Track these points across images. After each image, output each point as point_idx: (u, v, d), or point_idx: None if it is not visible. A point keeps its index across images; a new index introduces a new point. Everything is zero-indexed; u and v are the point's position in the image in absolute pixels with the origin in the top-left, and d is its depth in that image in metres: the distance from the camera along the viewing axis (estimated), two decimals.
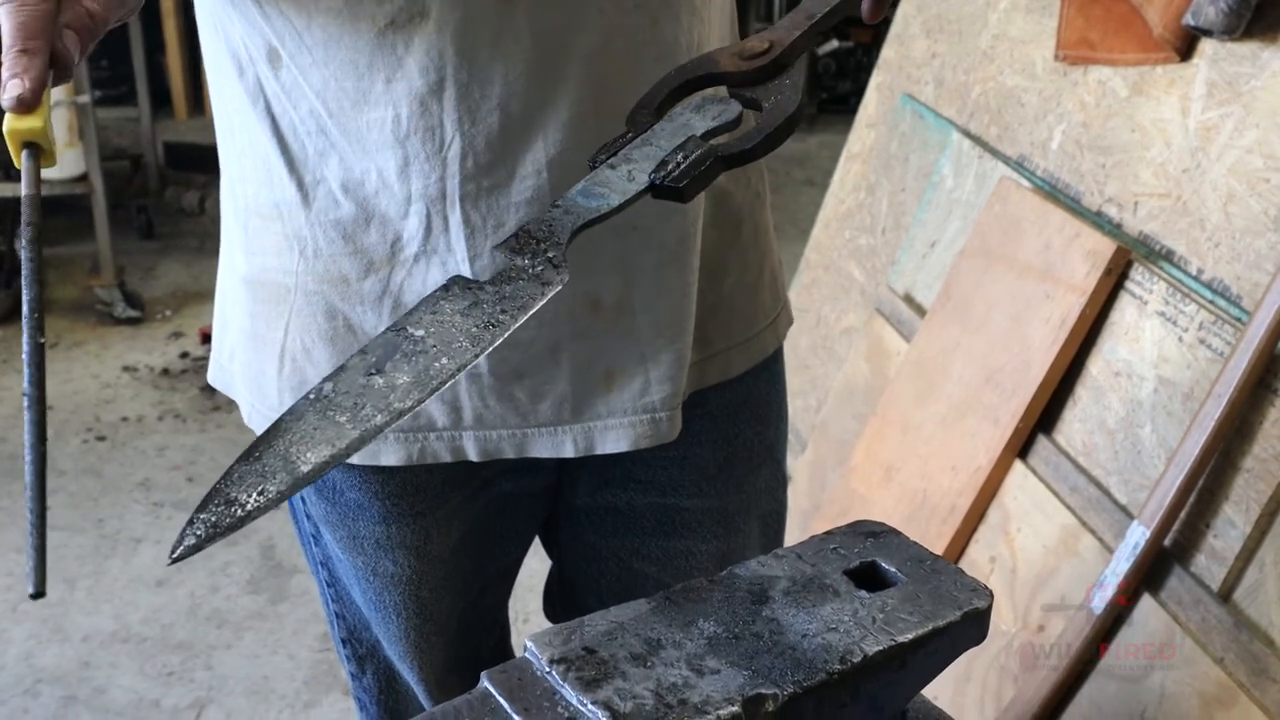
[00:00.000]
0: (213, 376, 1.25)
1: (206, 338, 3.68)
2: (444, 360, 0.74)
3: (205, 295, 4.04)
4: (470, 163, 1.01)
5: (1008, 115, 2.34)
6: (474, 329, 0.75)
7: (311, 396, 0.72)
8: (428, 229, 1.04)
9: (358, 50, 0.98)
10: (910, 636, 0.83)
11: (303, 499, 1.23)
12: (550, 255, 0.79)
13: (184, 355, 3.66)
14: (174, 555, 0.67)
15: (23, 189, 0.77)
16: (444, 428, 1.12)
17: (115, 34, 3.54)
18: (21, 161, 0.77)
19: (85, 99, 3.67)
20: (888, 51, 2.89)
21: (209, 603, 2.61)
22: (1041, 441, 1.95)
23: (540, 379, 1.10)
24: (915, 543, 0.93)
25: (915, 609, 0.85)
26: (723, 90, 0.89)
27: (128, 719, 2.31)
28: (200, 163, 5.08)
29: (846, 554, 0.91)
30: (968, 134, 2.44)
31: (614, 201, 0.82)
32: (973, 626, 0.86)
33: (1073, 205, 2.06)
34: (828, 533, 0.94)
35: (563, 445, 1.13)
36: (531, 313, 0.76)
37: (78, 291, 4.00)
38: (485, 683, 0.81)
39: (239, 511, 0.67)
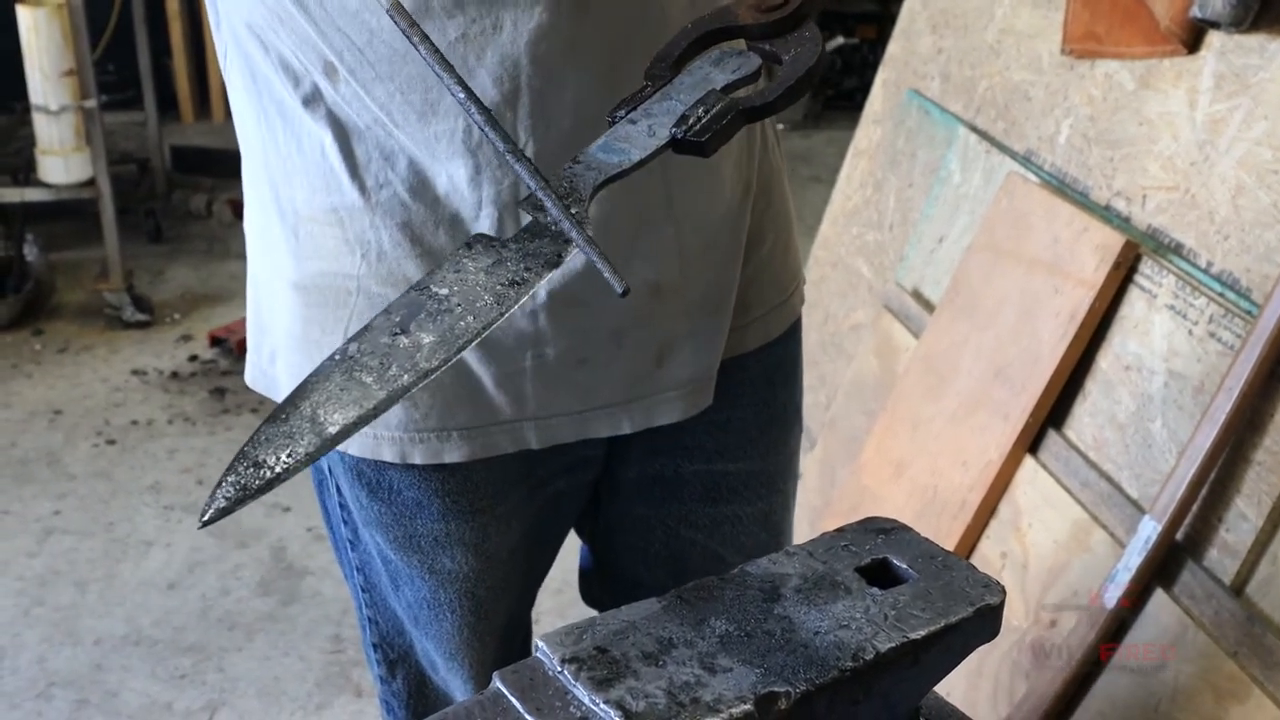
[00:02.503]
0: (251, 379, 1.24)
1: (215, 340, 3.68)
2: (469, 319, 0.73)
3: (214, 298, 4.05)
4: (544, 162, 1.02)
5: (1015, 110, 2.34)
6: (498, 287, 0.75)
7: (336, 357, 0.71)
8: (500, 231, 1.05)
9: (426, 65, 0.98)
10: (923, 633, 0.83)
11: (341, 504, 1.23)
12: (573, 211, 0.78)
13: (193, 358, 3.67)
14: (204, 519, 0.67)
15: None
16: (507, 420, 1.13)
17: (121, 38, 3.55)
18: None
19: (92, 104, 3.67)
20: (893, 47, 2.88)
21: (220, 605, 2.62)
22: (1052, 436, 1.95)
23: (601, 364, 1.13)
24: (926, 539, 0.92)
25: (927, 606, 0.85)
26: (741, 43, 0.87)
27: None
28: (207, 166, 5.08)
29: (858, 551, 0.91)
30: (974, 129, 2.44)
31: (635, 157, 0.80)
32: (985, 622, 0.86)
33: (1081, 199, 2.06)
34: (839, 530, 0.94)
35: (620, 423, 1.17)
36: (556, 270, 0.76)
37: (86, 295, 4.01)
38: (497, 683, 0.81)
39: (267, 474, 0.67)
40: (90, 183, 3.78)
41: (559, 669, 0.80)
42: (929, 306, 2.39)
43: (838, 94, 6.04)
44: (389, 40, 0.98)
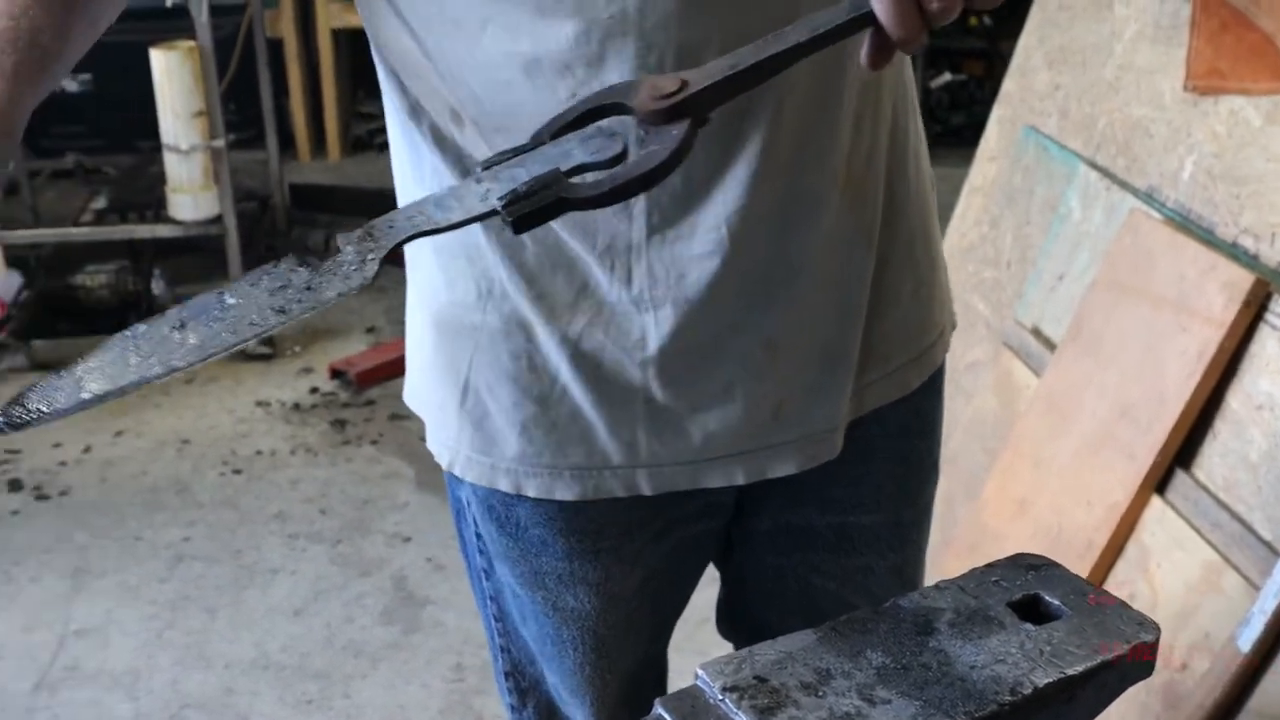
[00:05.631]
0: (405, 396, 1.30)
1: (335, 373, 3.77)
2: (227, 334, 0.77)
3: (333, 332, 4.14)
4: (656, 217, 1.05)
5: (1136, 146, 2.33)
6: (269, 310, 0.78)
7: (127, 333, 0.78)
8: (612, 278, 1.08)
9: (538, 120, 1.00)
10: (1080, 669, 0.84)
11: (478, 535, 1.27)
12: (371, 256, 0.79)
13: (314, 390, 3.76)
14: None
15: None
16: (619, 465, 1.15)
17: (240, 80, 3.68)
18: None
19: (220, 143, 3.79)
20: (1009, 84, 2.88)
21: (344, 633, 2.67)
22: (1180, 476, 1.93)
23: (714, 415, 1.14)
24: (1077, 575, 0.94)
25: (1083, 642, 0.86)
26: (628, 121, 0.84)
27: None
28: (323, 203, 5.21)
29: (1009, 586, 0.92)
30: (1094, 166, 2.43)
31: (454, 219, 0.81)
32: (1140, 661, 0.87)
33: (1206, 237, 2.04)
34: (988, 565, 0.95)
35: (734, 474, 1.17)
36: (314, 310, 0.78)
37: None
38: (659, 709, 0.83)
39: (26, 416, 0.76)
40: (217, 219, 3.90)
41: (720, 697, 0.83)
42: (1049, 344, 2.38)
43: (945, 130, 6.02)
44: (505, 94, 1.02)
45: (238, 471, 3.32)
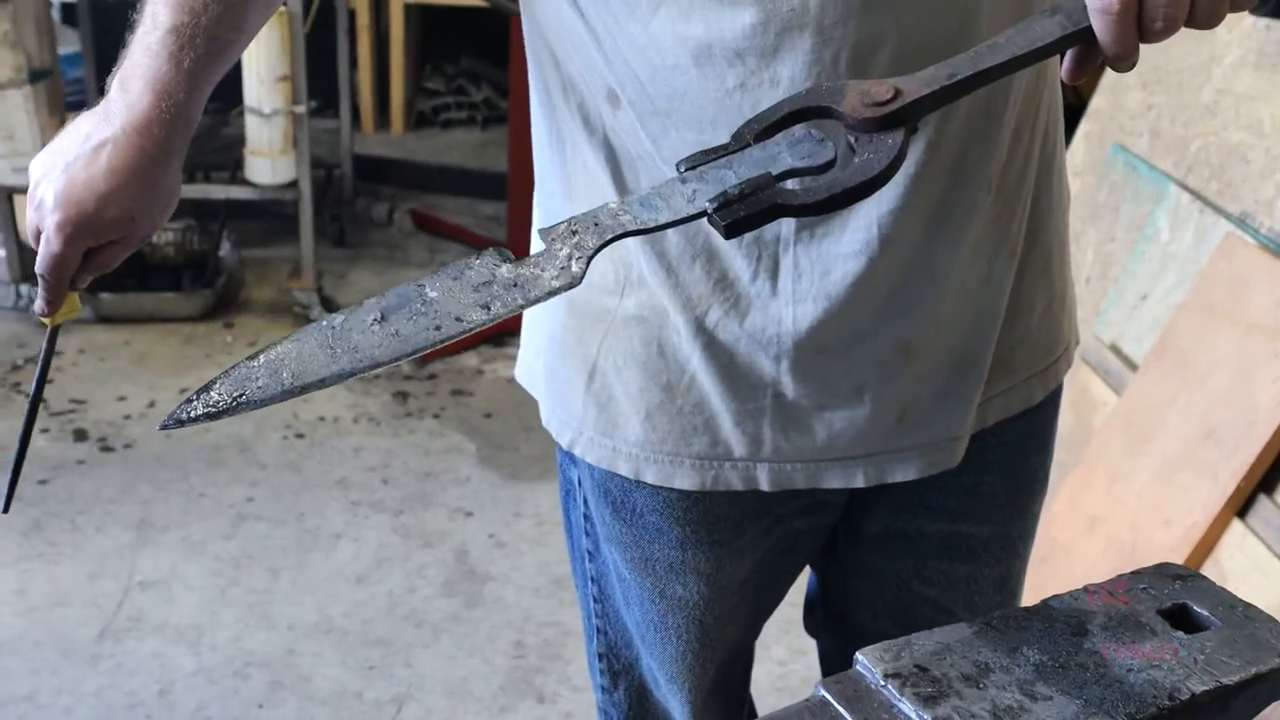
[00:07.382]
0: (519, 374, 1.31)
1: None
2: (430, 331, 0.76)
3: None
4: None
5: (1231, 171, 2.33)
6: (474, 306, 0.77)
7: (324, 324, 0.77)
8: (755, 270, 1.09)
9: (702, 106, 1.02)
10: (1235, 679, 0.85)
11: (586, 516, 1.28)
12: (578, 255, 0.78)
13: None
14: (161, 426, 0.76)
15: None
16: (740, 458, 1.16)
17: (319, 47, 3.67)
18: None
19: (301, 109, 3.81)
20: (1098, 101, 2.88)
21: (407, 602, 2.70)
22: (1263, 501, 1.94)
23: (840, 415, 1.15)
24: (1223, 588, 0.95)
25: (1235, 653, 0.87)
26: (835, 126, 0.83)
27: (331, 708, 2.40)
28: (385, 175, 5.24)
29: (1156, 594, 0.94)
30: (1185, 188, 2.43)
31: (662, 219, 0.80)
32: None
33: None
34: (1135, 572, 0.97)
35: (854, 476, 1.18)
36: (520, 308, 0.77)
37: (274, 293, 4.16)
38: (822, 691, 0.85)
39: (224, 404, 0.75)
40: (292, 185, 3.92)
41: (882, 683, 0.84)
42: (1129, 362, 2.39)
43: None
44: (670, 78, 1.02)
45: (300, 436, 3.35)
